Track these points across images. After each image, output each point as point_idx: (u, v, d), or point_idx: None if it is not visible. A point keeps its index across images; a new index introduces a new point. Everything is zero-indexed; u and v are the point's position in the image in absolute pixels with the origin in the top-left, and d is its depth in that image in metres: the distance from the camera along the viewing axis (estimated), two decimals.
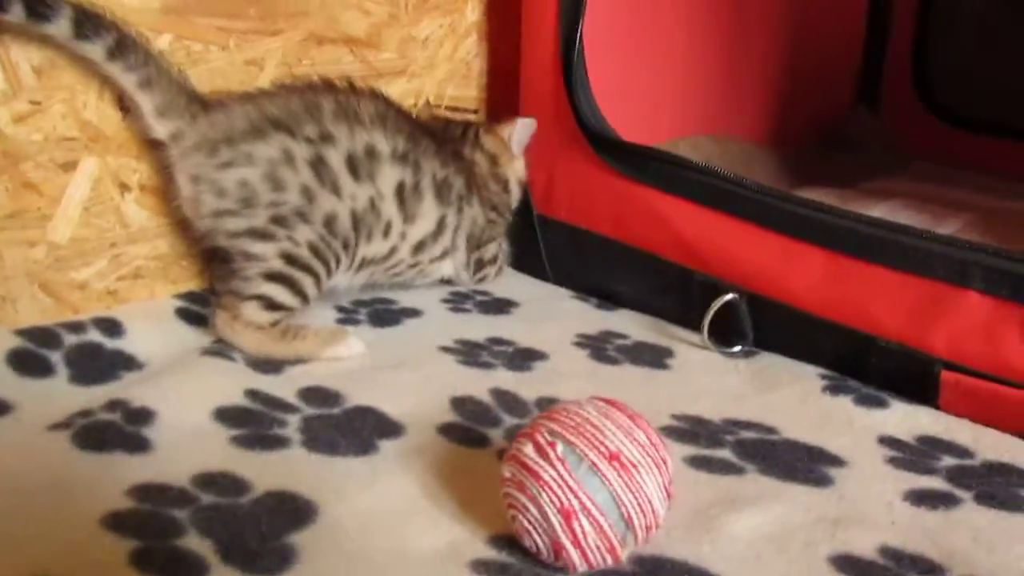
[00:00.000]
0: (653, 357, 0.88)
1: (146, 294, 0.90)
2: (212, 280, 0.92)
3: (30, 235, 0.82)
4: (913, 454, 0.71)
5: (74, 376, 0.77)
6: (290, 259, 0.84)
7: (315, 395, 0.76)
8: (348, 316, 0.93)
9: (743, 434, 0.73)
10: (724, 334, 0.89)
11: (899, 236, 0.81)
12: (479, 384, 0.79)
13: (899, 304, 0.80)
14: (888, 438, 0.73)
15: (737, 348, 0.88)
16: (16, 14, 0.74)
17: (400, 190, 0.91)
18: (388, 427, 0.72)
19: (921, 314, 0.79)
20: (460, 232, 0.99)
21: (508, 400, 0.77)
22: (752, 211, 0.88)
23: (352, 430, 0.71)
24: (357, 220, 0.88)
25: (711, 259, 0.91)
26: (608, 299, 1.01)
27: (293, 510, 0.60)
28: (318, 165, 0.85)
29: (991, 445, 0.72)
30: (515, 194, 1.06)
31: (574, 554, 0.54)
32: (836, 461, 0.70)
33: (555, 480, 0.53)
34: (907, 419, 0.76)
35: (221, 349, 0.82)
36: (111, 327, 0.82)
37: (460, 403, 0.76)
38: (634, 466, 0.54)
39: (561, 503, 0.53)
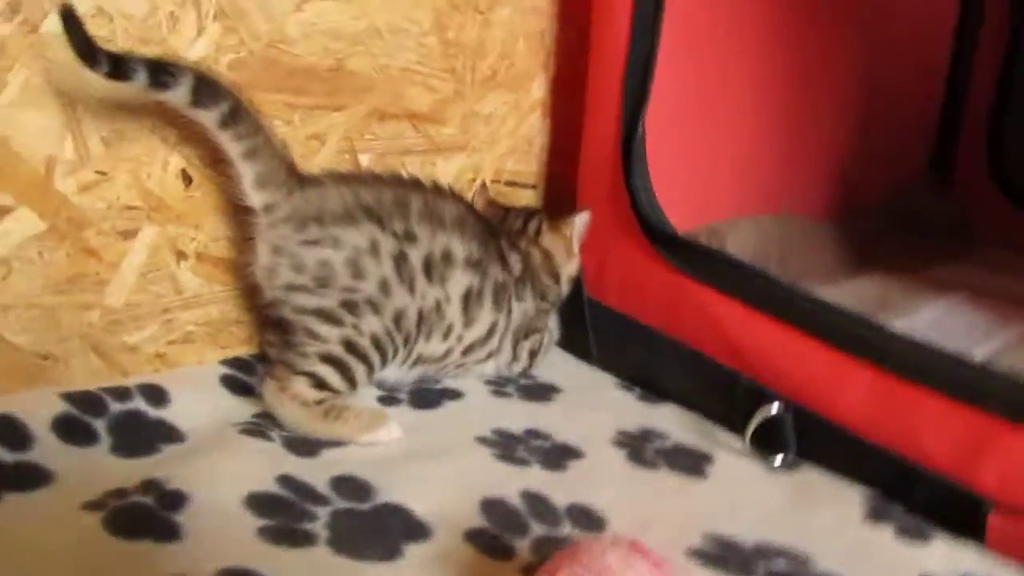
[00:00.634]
0: (691, 463, 0.86)
1: (195, 359, 0.92)
2: (263, 345, 0.93)
3: (87, 299, 0.84)
4: None
5: (116, 446, 0.78)
6: (350, 346, 0.84)
7: (346, 486, 0.76)
8: (390, 394, 0.94)
9: (774, 564, 0.72)
10: (767, 441, 0.87)
11: (951, 362, 0.78)
12: (512, 484, 0.79)
13: (947, 433, 0.77)
14: None
15: (779, 458, 0.86)
16: (140, 81, 0.74)
17: (467, 296, 0.92)
18: (415, 529, 0.71)
19: (971, 447, 0.76)
20: (507, 334, 0.98)
21: (539, 506, 0.76)
22: (802, 319, 0.86)
23: (380, 530, 0.71)
24: (422, 319, 0.89)
25: (758, 364, 0.89)
26: (652, 389, 1.00)
27: None
28: (400, 261, 0.86)
29: None
30: (565, 289, 1.05)
31: None
32: None
33: None
34: (950, 558, 0.74)
35: (261, 427, 0.83)
36: (156, 395, 0.84)
37: (490, 506, 0.75)
38: None
39: None
